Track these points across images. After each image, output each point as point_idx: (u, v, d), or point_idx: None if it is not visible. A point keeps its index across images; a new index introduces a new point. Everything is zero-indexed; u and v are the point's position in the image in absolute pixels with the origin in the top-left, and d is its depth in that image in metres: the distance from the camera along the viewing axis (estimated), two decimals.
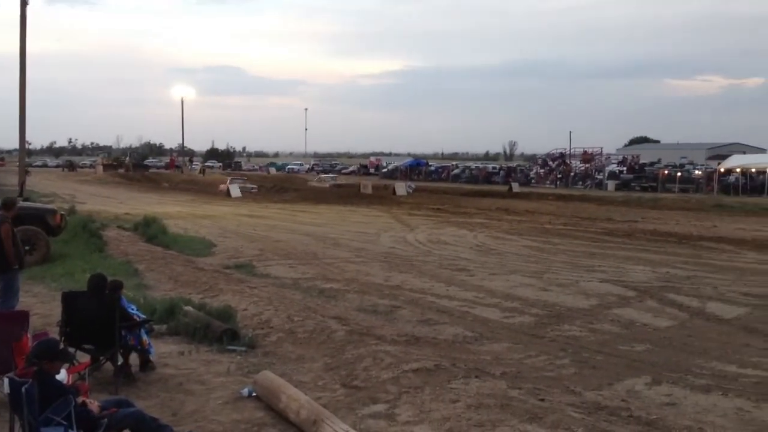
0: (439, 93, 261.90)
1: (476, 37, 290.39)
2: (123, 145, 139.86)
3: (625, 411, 6.23)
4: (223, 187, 45.05)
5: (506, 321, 10.35)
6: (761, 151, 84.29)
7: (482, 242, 20.50)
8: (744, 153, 73.33)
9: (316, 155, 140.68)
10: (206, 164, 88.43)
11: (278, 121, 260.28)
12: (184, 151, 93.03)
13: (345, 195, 41.15)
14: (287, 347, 8.33)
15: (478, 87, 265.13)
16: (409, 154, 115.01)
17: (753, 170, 52.37)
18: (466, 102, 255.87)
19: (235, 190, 43.40)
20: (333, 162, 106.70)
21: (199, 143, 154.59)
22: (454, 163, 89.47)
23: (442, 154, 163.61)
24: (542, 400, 6.21)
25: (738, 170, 53.06)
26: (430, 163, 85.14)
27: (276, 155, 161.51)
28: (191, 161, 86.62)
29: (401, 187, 46.44)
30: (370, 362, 7.29)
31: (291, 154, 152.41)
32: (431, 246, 19.45)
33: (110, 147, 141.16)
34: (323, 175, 65.94)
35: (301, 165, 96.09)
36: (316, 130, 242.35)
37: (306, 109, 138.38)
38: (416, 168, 76.68)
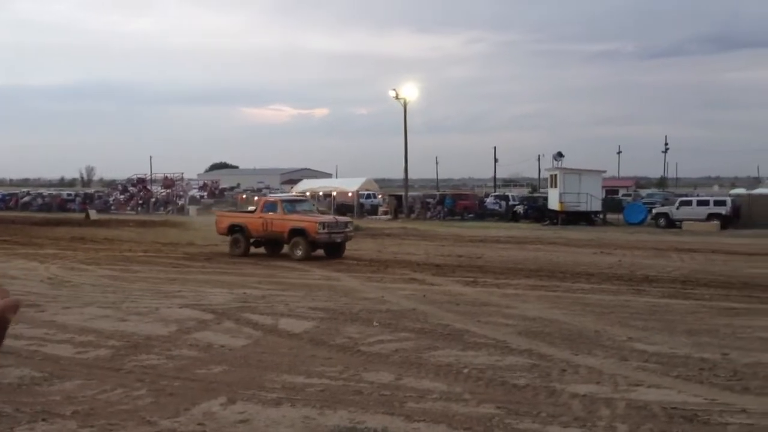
0: (2, 113, 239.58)
1: (44, 55, 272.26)
2: None
3: None
4: None
5: (79, 356, 9.82)
6: (328, 175, 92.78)
7: (55, 274, 19.21)
8: (314, 177, 79.80)
9: None
10: None
11: None
12: None
13: None
14: None
15: (49, 108, 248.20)
16: None
17: (321, 193, 57.21)
18: (37, 124, 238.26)
19: None
20: None
21: None
22: (24, 189, 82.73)
23: (11, 180, 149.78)
24: None
25: (308, 193, 57.56)
26: None
27: None
28: None
29: None
30: None
31: None
32: None
33: None
34: None
35: None
36: None
37: None
38: None
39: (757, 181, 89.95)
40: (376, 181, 63.78)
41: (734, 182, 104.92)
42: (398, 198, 54.00)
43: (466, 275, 18.85)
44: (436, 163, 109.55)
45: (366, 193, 56.28)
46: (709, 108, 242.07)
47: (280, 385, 8.35)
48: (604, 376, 8.65)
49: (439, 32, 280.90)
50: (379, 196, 58.07)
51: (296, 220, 23.33)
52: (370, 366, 9.23)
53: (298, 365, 9.28)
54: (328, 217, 24.99)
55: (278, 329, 11.71)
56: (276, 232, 23.51)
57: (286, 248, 23.52)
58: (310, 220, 23.21)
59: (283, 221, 23.33)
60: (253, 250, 24.21)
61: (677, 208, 40.66)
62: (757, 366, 9.11)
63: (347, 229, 24.23)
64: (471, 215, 50.18)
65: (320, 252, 23.31)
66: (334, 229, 23.42)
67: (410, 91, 54.51)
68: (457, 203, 52.26)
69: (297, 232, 23.05)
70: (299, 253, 22.86)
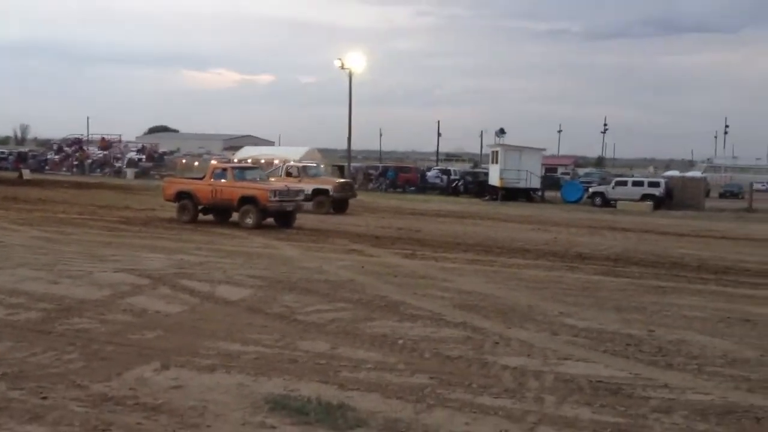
0: None
1: None
2: None
3: (132, 399, 6.29)
4: None
5: (10, 318, 9.62)
6: (270, 143, 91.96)
7: None
8: (256, 145, 78.95)
9: None
10: None
11: None
12: None
13: None
14: None
15: None
16: None
17: (263, 161, 56.76)
18: None
19: None
20: None
21: None
22: None
23: None
24: (45, 398, 5.98)
25: (249, 161, 57.04)
26: None
27: None
28: None
29: None
30: None
31: None
32: None
33: None
34: None
35: None
36: None
37: None
38: None
39: (690, 164, 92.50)
40: (320, 150, 63.45)
41: (669, 164, 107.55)
42: (341, 168, 53.89)
43: (405, 248, 19.00)
44: (380, 134, 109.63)
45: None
46: (648, 91, 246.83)
47: (215, 351, 8.33)
48: (534, 350, 8.87)
49: (387, 3, 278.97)
50: (322, 166, 57.81)
51: (246, 188, 22.59)
52: (306, 335, 9.28)
53: (234, 333, 9.26)
54: (280, 185, 24.01)
55: (215, 296, 11.66)
56: (225, 199, 22.78)
57: (235, 216, 23.07)
58: (261, 188, 22.52)
59: (233, 189, 22.60)
60: (201, 217, 23.73)
61: (613, 188, 41.59)
62: (681, 343, 9.45)
63: (298, 198, 23.64)
64: (412, 188, 50.50)
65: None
66: (285, 197, 22.79)
67: (356, 62, 54.18)
68: (399, 176, 52.49)
69: (247, 200, 22.36)
70: (249, 221, 22.12)
